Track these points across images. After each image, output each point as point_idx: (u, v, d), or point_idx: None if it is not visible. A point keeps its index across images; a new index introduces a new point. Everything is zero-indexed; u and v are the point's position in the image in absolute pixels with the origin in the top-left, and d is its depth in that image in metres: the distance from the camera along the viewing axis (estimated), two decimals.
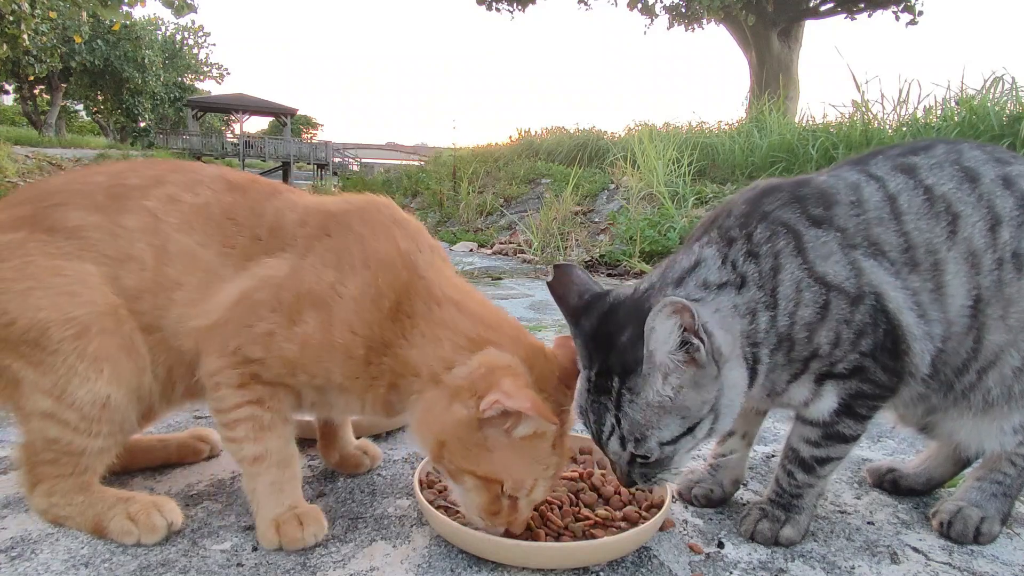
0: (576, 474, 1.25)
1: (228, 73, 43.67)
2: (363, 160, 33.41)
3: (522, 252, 5.88)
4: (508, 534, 1.00)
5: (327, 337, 1.01)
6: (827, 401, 1.06)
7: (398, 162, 24.16)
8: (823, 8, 14.39)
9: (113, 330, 1.04)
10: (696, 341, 0.90)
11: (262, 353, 1.02)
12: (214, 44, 63.26)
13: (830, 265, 1.00)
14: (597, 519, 1.12)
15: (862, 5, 13.98)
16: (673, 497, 1.28)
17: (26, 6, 10.16)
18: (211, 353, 1.03)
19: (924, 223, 1.03)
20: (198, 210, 1.10)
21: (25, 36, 11.44)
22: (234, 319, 1.02)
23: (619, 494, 1.19)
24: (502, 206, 8.00)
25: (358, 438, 1.39)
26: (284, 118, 36.55)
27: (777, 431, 1.71)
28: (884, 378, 1.04)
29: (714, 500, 1.26)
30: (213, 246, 1.09)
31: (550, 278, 1.06)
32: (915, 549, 1.14)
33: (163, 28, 36.32)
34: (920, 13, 13.64)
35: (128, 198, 1.10)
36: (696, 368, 0.92)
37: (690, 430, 0.95)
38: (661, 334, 0.89)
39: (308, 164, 35.22)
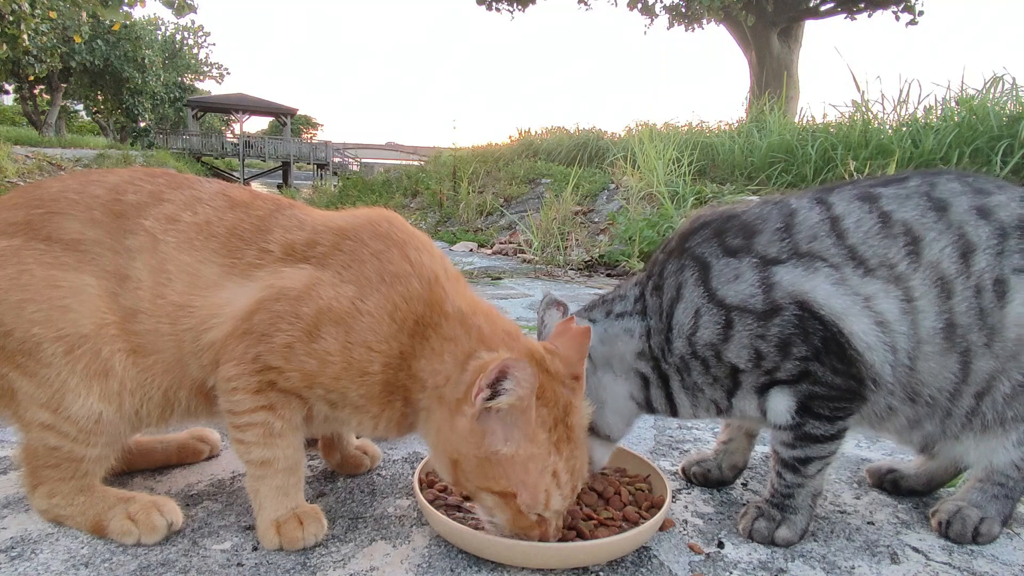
0: None
1: (228, 73, 43.86)
2: (363, 160, 33.43)
3: (522, 252, 5.88)
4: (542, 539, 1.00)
5: (346, 354, 1.01)
6: (779, 404, 1.09)
7: (398, 162, 24.16)
8: (823, 8, 14.37)
9: (99, 349, 1.03)
10: None
11: (281, 363, 1.02)
12: (214, 44, 63.38)
13: (733, 287, 1.08)
14: (600, 519, 1.12)
15: (862, 5, 13.96)
16: (673, 497, 1.28)
17: (26, 6, 10.17)
18: (230, 360, 1.03)
19: (874, 240, 1.06)
20: (199, 230, 1.09)
21: (25, 36, 11.45)
22: (254, 329, 1.01)
23: (619, 494, 1.20)
24: (502, 206, 8.00)
25: (358, 438, 1.39)
26: (284, 118, 36.62)
27: None
28: (837, 380, 1.05)
29: (711, 480, 1.34)
30: (217, 263, 1.07)
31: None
32: (915, 549, 1.14)
33: (163, 28, 36.34)
34: (920, 13, 13.62)
35: (126, 216, 1.08)
36: None
37: None
38: (548, 326, 1.17)
39: (308, 164, 35.26)
